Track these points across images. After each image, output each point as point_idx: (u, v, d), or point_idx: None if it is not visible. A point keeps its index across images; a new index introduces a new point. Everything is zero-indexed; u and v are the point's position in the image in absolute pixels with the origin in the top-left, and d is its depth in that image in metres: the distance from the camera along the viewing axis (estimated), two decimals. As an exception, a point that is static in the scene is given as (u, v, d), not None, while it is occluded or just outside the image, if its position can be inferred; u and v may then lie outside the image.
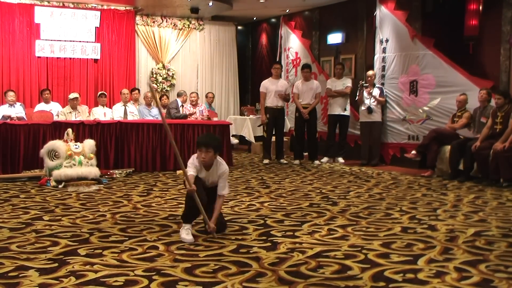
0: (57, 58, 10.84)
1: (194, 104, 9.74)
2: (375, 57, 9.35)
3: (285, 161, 9.13)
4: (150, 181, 6.93)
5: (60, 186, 6.29)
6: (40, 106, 9.46)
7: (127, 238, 3.92)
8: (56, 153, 6.51)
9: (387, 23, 9.06)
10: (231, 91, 13.13)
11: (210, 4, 10.62)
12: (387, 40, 9.07)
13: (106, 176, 7.03)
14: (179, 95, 10.17)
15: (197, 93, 10.16)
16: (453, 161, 7.27)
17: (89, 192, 6.04)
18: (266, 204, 5.34)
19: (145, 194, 5.96)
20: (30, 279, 2.97)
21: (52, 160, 6.49)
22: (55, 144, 6.56)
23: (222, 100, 12.97)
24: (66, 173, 6.36)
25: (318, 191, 6.23)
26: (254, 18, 13.01)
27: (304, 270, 3.20)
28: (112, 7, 11.23)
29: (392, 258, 3.46)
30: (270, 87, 9.15)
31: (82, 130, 7.42)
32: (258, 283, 2.96)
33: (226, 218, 4.65)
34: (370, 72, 9.07)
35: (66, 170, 6.39)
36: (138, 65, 11.89)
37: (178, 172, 7.49)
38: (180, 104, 9.72)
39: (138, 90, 10.37)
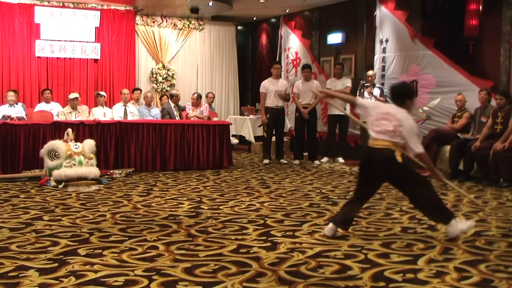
0: (57, 58, 10.83)
1: (195, 105, 9.72)
2: (375, 57, 9.34)
3: (285, 161, 9.12)
4: (150, 181, 6.92)
5: (60, 186, 6.28)
6: (41, 106, 9.44)
7: (127, 238, 3.92)
8: (56, 153, 6.50)
9: (387, 23, 9.06)
10: (231, 91, 13.12)
11: (210, 4, 10.61)
12: (387, 40, 9.06)
13: (106, 176, 7.02)
14: (171, 96, 9.69)
15: (198, 94, 10.07)
16: (453, 161, 7.26)
17: (89, 192, 6.03)
18: (266, 204, 5.34)
19: (145, 194, 5.96)
20: (30, 279, 2.98)
21: (52, 160, 6.49)
22: (55, 144, 6.55)
23: (222, 100, 12.96)
24: (66, 173, 6.35)
25: (318, 191, 6.23)
26: (254, 18, 13.00)
27: (304, 270, 3.20)
28: (112, 7, 11.22)
29: (392, 258, 3.46)
30: (270, 87, 9.14)
31: (82, 130, 7.42)
32: (258, 283, 2.96)
33: (226, 218, 4.66)
34: (370, 72, 9.06)
35: (66, 170, 6.38)
36: (138, 65, 11.88)
37: None
38: (172, 105, 9.43)
39: (140, 90, 10.35)
